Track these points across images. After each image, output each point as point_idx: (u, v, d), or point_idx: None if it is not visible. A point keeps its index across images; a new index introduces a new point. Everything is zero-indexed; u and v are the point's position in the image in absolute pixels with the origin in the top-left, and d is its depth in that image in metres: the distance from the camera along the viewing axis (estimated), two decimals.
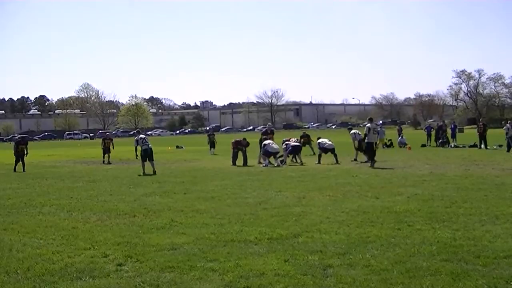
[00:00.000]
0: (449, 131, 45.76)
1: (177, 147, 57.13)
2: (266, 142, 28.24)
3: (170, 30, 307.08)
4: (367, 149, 26.18)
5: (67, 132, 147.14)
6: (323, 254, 8.64)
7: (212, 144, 43.75)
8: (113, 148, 37.21)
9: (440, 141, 43.59)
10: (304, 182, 19.34)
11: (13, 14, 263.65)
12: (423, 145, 43.94)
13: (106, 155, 36.50)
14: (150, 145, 26.42)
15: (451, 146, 41.85)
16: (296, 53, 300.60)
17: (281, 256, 8.60)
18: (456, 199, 13.87)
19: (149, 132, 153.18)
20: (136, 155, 27.01)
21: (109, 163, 35.13)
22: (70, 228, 11.78)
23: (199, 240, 10.00)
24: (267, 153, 27.64)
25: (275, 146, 27.91)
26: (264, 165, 27.28)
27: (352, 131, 30.93)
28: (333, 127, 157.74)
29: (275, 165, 27.14)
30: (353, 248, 8.93)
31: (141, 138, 26.81)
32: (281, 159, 28.11)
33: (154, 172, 24.92)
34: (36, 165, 35.48)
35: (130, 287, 7.37)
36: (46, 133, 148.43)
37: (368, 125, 26.24)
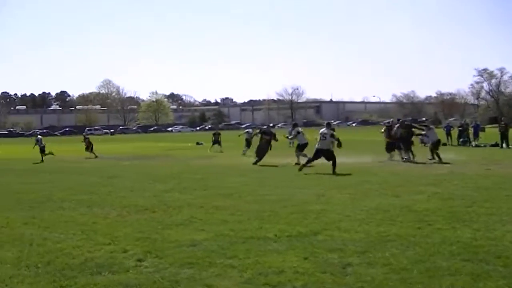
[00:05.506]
0: (471, 129, 45.42)
1: (197, 143, 57.15)
2: (300, 130, 27.93)
3: (191, 27, 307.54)
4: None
5: (87, 128, 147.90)
6: (343, 252, 8.62)
7: (216, 142, 43.39)
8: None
9: (461, 140, 43.33)
10: (323, 180, 19.29)
11: (34, 12, 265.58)
12: (444, 144, 43.66)
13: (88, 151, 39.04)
14: (42, 145, 36.01)
15: (472, 145, 41.60)
16: (317, 51, 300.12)
17: (301, 253, 8.59)
18: (477, 199, 13.76)
19: (170, 128, 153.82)
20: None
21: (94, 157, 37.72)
22: (90, 223, 11.84)
23: (218, 236, 10.01)
24: (302, 147, 27.12)
25: (305, 137, 27.51)
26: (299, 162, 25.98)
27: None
28: (354, 125, 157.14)
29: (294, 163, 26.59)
30: (373, 247, 8.89)
31: (39, 138, 36.71)
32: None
33: (42, 160, 34.55)
34: (57, 160, 35.74)
35: (149, 282, 7.39)
36: (67, 129, 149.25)
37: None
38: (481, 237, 9.48)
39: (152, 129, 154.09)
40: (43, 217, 12.72)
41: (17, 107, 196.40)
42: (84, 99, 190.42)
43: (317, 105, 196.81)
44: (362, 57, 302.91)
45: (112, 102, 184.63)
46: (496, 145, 39.45)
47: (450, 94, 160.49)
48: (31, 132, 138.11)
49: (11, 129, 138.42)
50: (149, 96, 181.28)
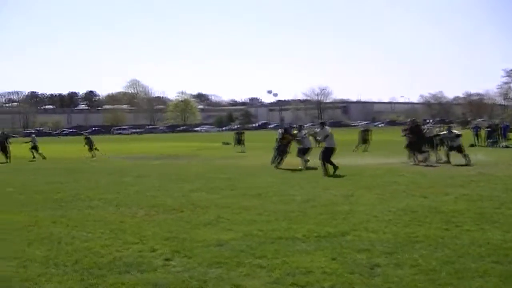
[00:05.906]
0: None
1: (224, 143, 57.15)
2: (306, 132, 27.62)
3: (218, 27, 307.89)
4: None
5: (115, 127, 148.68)
6: (371, 253, 8.61)
7: (239, 142, 43.28)
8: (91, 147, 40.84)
9: (490, 140, 42.95)
10: (351, 180, 19.22)
11: (60, 11, 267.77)
12: (472, 145, 43.33)
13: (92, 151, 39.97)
14: (36, 143, 39.54)
15: (501, 146, 41.22)
16: (345, 51, 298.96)
17: (329, 254, 8.59)
18: (505, 200, 13.65)
19: (197, 128, 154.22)
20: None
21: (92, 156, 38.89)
22: (118, 222, 11.93)
23: (246, 236, 10.04)
24: (302, 150, 26.55)
25: (310, 141, 27.21)
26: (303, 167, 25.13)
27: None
28: (381, 125, 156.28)
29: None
30: (401, 248, 8.87)
31: (34, 137, 40.98)
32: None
33: (35, 158, 38.07)
34: (84, 159, 35.99)
35: (178, 282, 7.43)
36: (95, 128, 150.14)
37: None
38: (510, 239, 9.41)
39: (179, 128, 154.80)
40: (71, 216, 12.84)
41: (45, 107, 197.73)
42: (112, 98, 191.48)
43: (344, 106, 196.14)
44: (389, 58, 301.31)
45: (140, 101, 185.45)
46: None
47: (478, 94, 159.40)
48: (58, 131, 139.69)
49: (38, 129, 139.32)
50: (177, 96, 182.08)
